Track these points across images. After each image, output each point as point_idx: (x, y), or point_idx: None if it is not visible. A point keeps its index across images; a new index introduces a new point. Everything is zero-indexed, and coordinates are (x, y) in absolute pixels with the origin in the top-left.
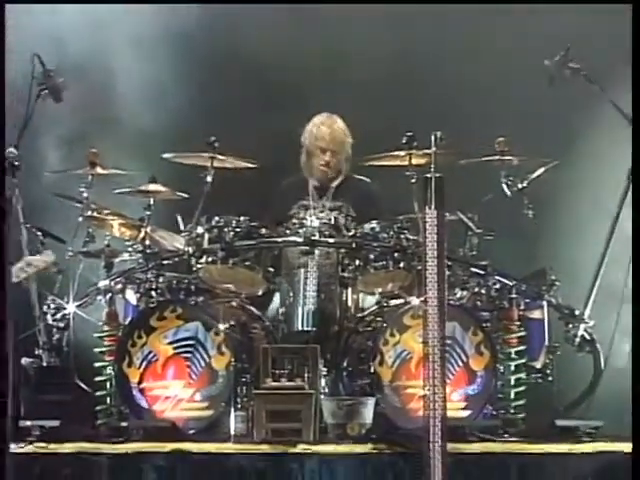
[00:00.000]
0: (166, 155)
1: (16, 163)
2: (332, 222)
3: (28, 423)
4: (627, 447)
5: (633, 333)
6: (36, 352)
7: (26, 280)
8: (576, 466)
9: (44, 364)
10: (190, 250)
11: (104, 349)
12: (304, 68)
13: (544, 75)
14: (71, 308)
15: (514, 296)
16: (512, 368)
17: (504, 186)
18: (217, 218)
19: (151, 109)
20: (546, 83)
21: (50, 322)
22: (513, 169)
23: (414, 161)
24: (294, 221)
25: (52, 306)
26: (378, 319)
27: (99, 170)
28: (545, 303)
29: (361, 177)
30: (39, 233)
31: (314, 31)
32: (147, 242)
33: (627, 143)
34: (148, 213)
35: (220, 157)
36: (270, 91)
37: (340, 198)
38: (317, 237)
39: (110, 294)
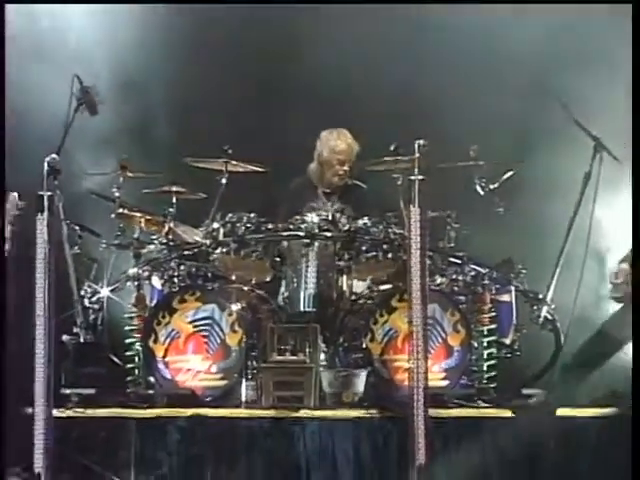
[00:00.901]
0: (186, 160)
1: (57, 167)
2: (330, 218)
3: (68, 391)
4: (583, 412)
5: (633, 338)
6: (74, 330)
7: None
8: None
9: (81, 340)
10: (207, 242)
11: (133, 328)
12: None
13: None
14: (105, 292)
15: (486, 282)
16: (484, 344)
17: (478, 187)
18: (230, 215)
19: (169, 116)
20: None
21: (87, 304)
22: (486, 172)
23: (400, 166)
24: (297, 217)
25: (88, 291)
26: (369, 302)
27: (129, 173)
28: (513, 288)
29: (359, 183)
30: (77, 228)
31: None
32: (170, 236)
33: (587, 151)
34: (171, 210)
35: (233, 162)
36: (275, 96)
37: (343, 201)
38: (317, 231)
39: (138, 280)
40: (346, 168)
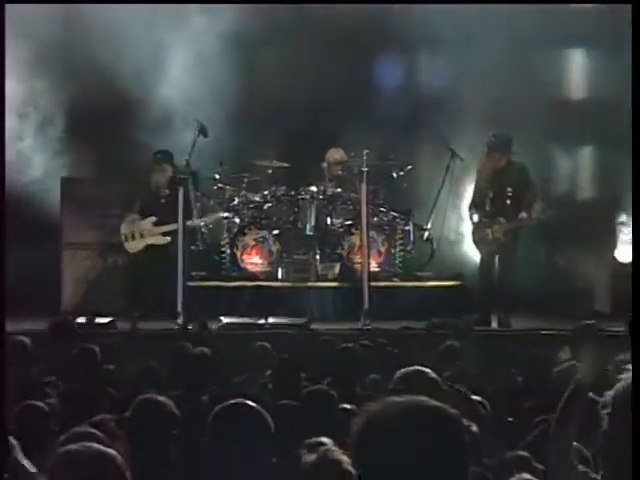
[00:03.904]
0: (251, 160)
1: (189, 164)
2: (322, 189)
3: (193, 273)
4: (446, 284)
5: (633, 335)
6: (197, 243)
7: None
8: (424, 292)
9: (200, 248)
10: (262, 201)
11: (225, 242)
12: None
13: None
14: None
15: (398, 220)
16: (398, 250)
17: (393, 174)
18: (273, 187)
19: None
20: None
21: (202, 230)
22: (397, 166)
23: (356, 163)
24: (306, 188)
25: (202, 223)
26: (341, 229)
27: (224, 166)
28: (411, 223)
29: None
30: (198, 194)
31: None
32: (243, 197)
33: (446, 154)
34: (244, 185)
35: (275, 161)
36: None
37: (339, 184)
38: (315, 195)
39: (227, 220)
40: (340, 167)
